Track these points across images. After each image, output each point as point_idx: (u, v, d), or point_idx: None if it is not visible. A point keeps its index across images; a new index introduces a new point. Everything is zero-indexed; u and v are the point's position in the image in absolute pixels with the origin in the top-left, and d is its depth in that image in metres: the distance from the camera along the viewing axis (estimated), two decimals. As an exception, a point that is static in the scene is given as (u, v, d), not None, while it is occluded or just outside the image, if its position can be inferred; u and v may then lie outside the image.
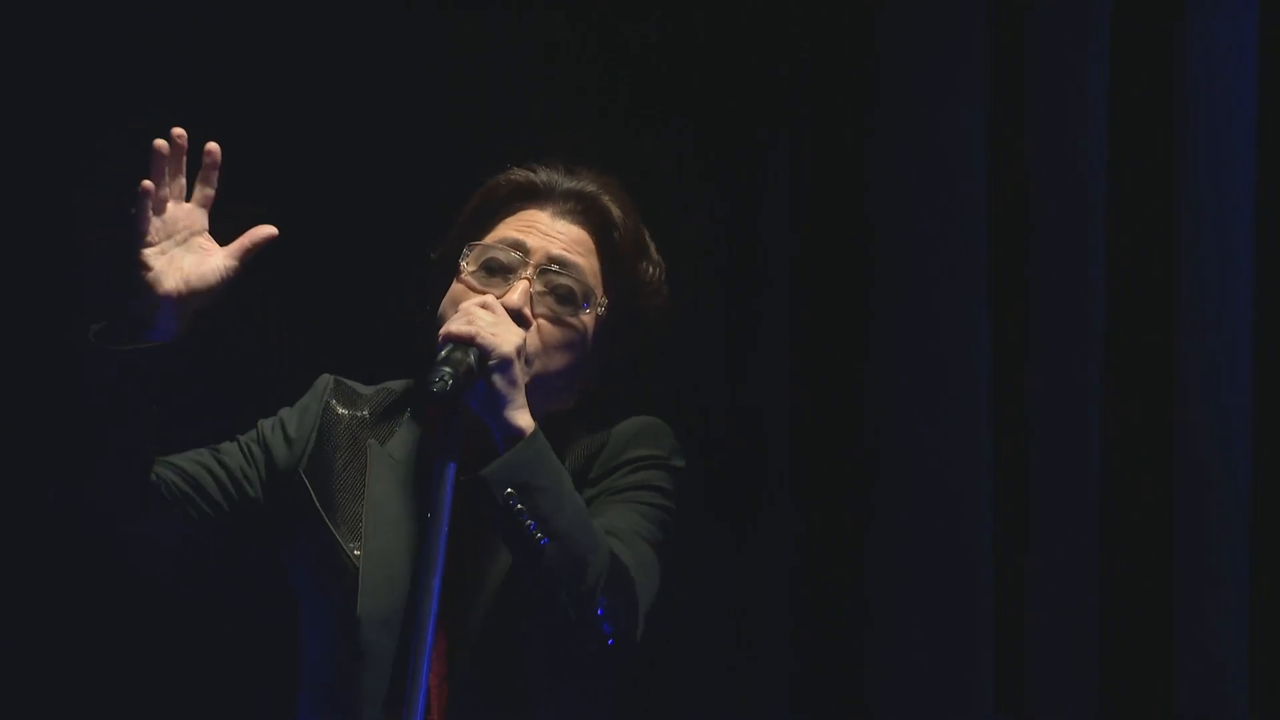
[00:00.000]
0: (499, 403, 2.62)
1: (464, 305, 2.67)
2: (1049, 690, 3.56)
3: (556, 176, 2.85)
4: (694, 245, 3.76)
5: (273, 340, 3.81)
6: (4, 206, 3.89)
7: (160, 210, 2.68)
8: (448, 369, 2.57)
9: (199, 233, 2.72)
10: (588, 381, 2.85)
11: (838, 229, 3.70)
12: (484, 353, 2.60)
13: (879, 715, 3.66)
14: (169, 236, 2.69)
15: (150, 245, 2.67)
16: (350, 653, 2.72)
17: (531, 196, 2.84)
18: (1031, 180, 3.59)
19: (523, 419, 2.63)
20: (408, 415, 2.87)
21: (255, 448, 2.86)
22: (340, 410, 2.88)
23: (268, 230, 2.76)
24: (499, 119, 3.79)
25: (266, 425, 2.89)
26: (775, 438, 3.73)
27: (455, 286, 2.79)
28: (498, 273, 2.79)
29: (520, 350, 2.64)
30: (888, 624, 3.65)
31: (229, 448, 2.86)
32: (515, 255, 2.78)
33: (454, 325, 2.62)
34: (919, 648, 3.63)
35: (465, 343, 2.60)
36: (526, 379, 2.67)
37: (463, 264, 2.79)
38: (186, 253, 2.70)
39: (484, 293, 2.75)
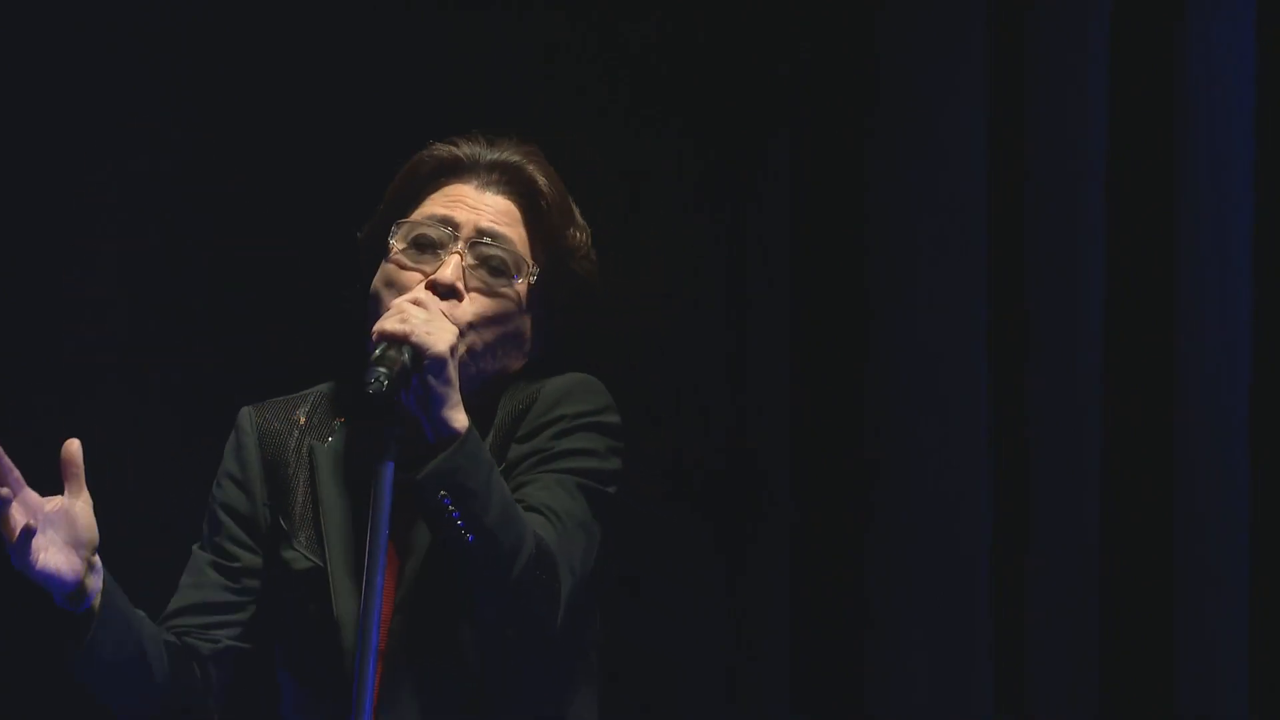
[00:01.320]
0: (433, 402, 2.59)
1: (397, 302, 2.65)
2: (1049, 690, 3.56)
3: (479, 149, 2.84)
4: (694, 245, 3.76)
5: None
6: (4, 207, 3.89)
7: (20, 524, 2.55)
8: (383, 369, 2.54)
9: (38, 505, 2.57)
10: (528, 351, 2.83)
11: (838, 229, 3.70)
12: (418, 351, 2.58)
13: (879, 715, 3.66)
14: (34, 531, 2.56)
15: (33, 554, 2.55)
16: (331, 654, 2.72)
17: (456, 171, 2.82)
18: (1031, 180, 3.59)
19: (457, 419, 2.60)
20: (344, 413, 2.86)
21: (222, 527, 2.84)
22: (273, 426, 2.86)
23: (75, 445, 2.60)
24: (499, 119, 3.78)
25: (217, 494, 2.87)
26: (775, 438, 3.73)
27: (386, 266, 2.77)
28: (428, 249, 2.76)
29: (454, 349, 2.61)
30: (888, 624, 3.65)
31: (200, 556, 2.85)
32: (445, 230, 2.76)
33: (387, 323, 2.59)
34: (919, 648, 3.63)
35: (399, 341, 2.58)
36: (461, 367, 2.65)
37: (392, 242, 2.78)
38: (55, 529, 2.58)
39: (416, 270, 2.74)
